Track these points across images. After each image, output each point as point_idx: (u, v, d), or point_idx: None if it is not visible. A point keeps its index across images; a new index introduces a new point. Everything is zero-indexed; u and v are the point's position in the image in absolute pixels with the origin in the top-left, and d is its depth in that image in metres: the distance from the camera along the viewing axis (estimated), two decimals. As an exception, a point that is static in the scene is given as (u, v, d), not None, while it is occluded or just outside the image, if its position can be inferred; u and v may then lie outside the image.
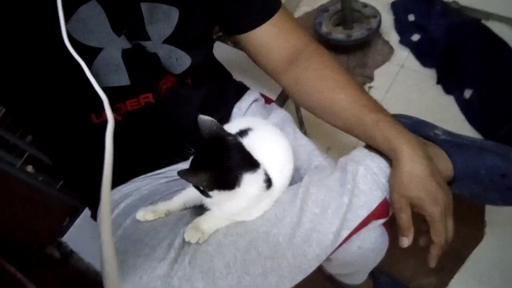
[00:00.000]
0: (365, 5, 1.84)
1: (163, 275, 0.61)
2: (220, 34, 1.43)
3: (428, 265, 0.72)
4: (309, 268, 0.68)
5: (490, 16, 1.76)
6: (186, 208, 0.76)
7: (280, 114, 0.94)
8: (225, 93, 0.93)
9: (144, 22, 0.68)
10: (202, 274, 0.62)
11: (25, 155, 1.16)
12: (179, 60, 0.76)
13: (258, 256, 0.65)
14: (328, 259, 0.71)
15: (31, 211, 1.24)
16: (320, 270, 0.71)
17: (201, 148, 0.63)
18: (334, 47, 1.84)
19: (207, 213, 0.69)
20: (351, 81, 0.79)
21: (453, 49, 1.65)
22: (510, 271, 1.22)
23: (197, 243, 0.65)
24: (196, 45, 0.77)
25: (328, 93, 0.79)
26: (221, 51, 1.22)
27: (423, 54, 1.78)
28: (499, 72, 1.55)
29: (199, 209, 0.73)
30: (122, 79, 0.71)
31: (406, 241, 0.72)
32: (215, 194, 0.62)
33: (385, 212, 0.73)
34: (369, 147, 0.77)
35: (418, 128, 0.83)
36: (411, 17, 1.88)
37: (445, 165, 0.75)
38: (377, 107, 0.76)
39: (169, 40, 0.72)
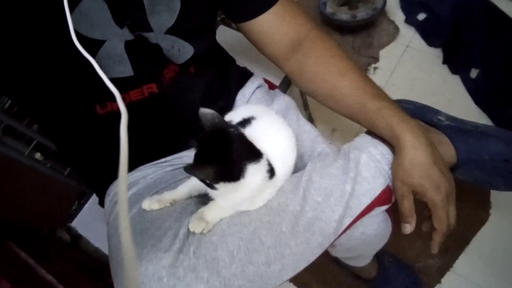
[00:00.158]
0: (370, -15, 1.81)
1: (169, 266, 0.62)
2: (224, 16, 1.41)
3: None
4: (312, 256, 0.69)
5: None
6: (191, 197, 0.77)
7: (283, 100, 0.93)
8: (228, 80, 0.93)
9: (145, 13, 0.68)
10: (206, 264, 0.63)
11: (33, 143, 1.17)
12: (181, 50, 0.76)
13: (262, 245, 0.66)
14: (331, 245, 0.72)
15: (41, 196, 1.27)
16: (325, 252, 0.72)
17: (204, 141, 0.63)
18: (339, 28, 1.82)
19: (211, 203, 0.70)
20: (354, 67, 0.79)
21: (459, 28, 1.63)
22: (515, 253, 1.22)
23: (201, 233, 0.66)
24: (198, 34, 0.77)
25: (331, 80, 0.79)
26: (225, 35, 1.22)
27: (429, 33, 1.75)
28: (506, 51, 1.52)
29: (204, 198, 0.74)
30: (125, 70, 0.71)
31: (408, 228, 0.72)
32: (221, 186, 0.63)
33: (388, 199, 0.74)
34: (372, 133, 0.77)
35: (421, 114, 0.82)
36: (417, -4, 1.85)
37: (448, 151, 0.75)
38: (380, 94, 0.76)
39: (171, 31, 0.72)
